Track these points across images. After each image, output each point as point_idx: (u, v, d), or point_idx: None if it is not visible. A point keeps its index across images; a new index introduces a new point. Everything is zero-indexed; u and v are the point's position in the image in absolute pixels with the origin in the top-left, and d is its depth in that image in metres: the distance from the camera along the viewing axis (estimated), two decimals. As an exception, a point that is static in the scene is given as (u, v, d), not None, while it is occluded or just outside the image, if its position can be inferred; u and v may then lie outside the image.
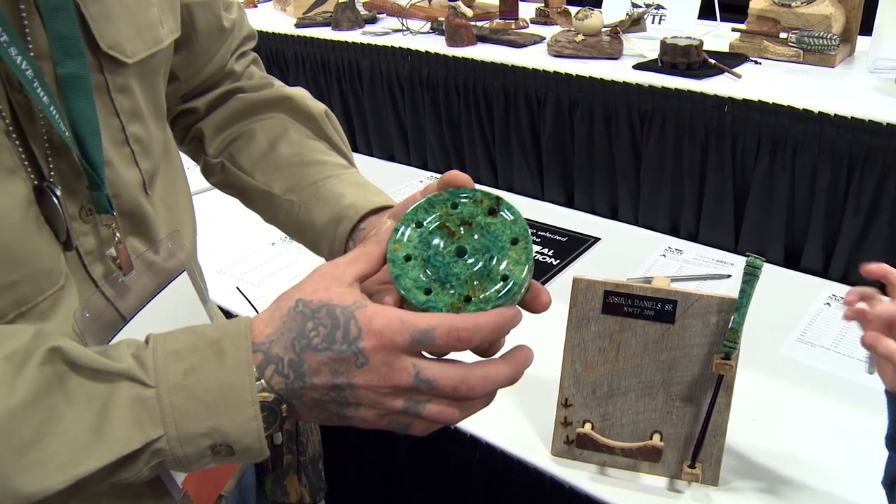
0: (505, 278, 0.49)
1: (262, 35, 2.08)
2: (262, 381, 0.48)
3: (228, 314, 1.27)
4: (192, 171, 0.78)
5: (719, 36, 1.73)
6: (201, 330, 0.49)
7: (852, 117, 1.23)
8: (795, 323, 1.21)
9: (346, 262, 0.51)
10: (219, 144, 0.78)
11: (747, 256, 0.81)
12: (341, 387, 0.47)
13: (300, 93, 0.80)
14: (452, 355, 0.50)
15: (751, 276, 0.81)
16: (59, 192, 0.51)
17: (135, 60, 0.58)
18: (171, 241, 0.65)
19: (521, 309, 0.50)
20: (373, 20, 2.05)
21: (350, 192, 0.71)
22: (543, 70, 1.57)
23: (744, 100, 1.33)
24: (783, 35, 1.54)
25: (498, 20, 1.92)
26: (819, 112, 1.26)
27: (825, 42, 1.48)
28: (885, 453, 0.80)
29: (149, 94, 0.62)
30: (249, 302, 1.25)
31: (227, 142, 0.78)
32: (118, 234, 0.57)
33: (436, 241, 0.51)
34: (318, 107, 0.80)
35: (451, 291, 0.49)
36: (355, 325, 0.47)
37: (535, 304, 0.51)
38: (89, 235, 0.56)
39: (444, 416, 0.49)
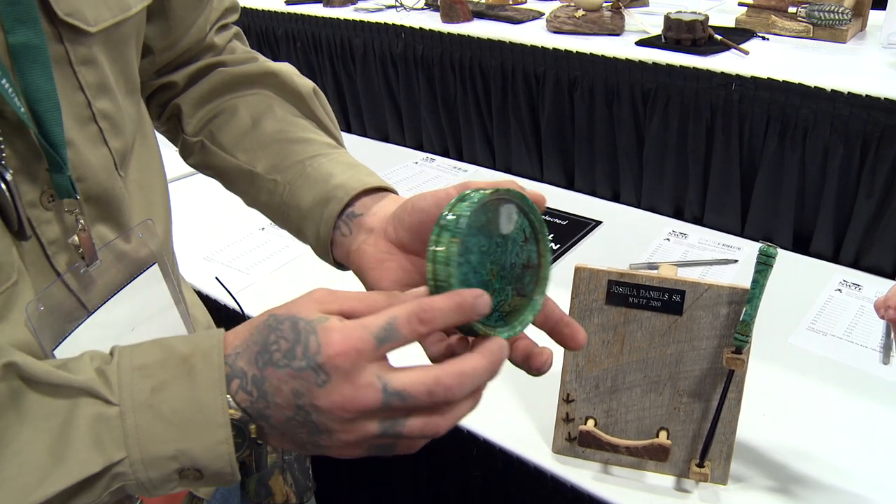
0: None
1: (252, 12, 2.02)
2: (229, 395, 0.44)
3: (215, 303, 1.23)
4: (176, 154, 0.73)
5: (725, 11, 1.67)
6: (171, 344, 0.45)
7: (866, 95, 1.18)
8: (805, 311, 1.16)
9: (347, 297, 0.45)
10: (198, 122, 0.72)
11: (760, 244, 0.76)
12: (306, 409, 0.43)
13: (286, 68, 0.75)
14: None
15: (764, 266, 0.76)
16: (8, 177, 0.46)
17: (98, 29, 0.53)
18: (143, 230, 0.60)
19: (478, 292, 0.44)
20: (366, -4, 1.99)
21: (339, 171, 0.65)
22: (542, 47, 1.51)
23: (752, 77, 1.28)
24: (792, 9, 1.48)
25: (495, -5, 1.85)
26: (831, 90, 1.20)
27: (836, 16, 1.42)
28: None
29: (118, 67, 0.57)
30: (229, 292, 1.20)
31: (207, 118, 0.72)
32: (82, 221, 0.53)
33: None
34: (306, 84, 0.74)
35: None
36: (315, 339, 0.42)
37: (569, 341, 0.53)
38: (52, 224, 0.51)
39: (427, 429, 0.44)
